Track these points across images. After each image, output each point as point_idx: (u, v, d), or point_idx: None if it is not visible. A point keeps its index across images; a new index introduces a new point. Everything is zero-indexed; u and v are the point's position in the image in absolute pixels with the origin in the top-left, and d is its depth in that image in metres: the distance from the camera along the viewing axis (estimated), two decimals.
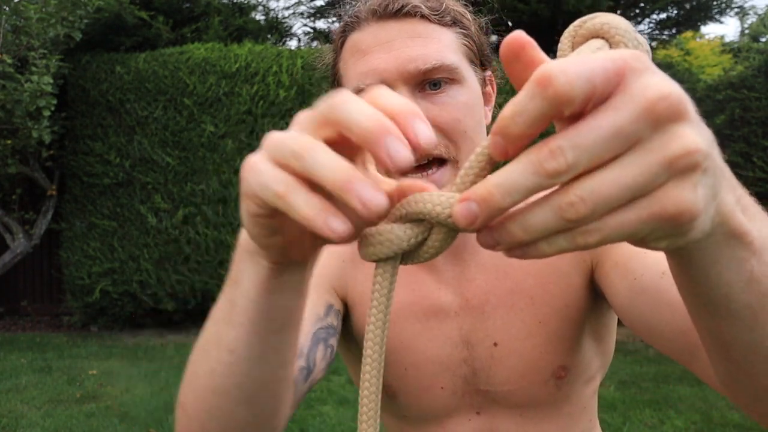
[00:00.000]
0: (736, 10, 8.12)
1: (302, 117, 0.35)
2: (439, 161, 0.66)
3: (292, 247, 0.40)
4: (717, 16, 8.11)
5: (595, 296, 0.74)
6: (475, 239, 0.69)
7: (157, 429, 3.51)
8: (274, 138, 0.34)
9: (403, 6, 0.63)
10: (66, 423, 3.65)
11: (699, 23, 8.46)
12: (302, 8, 10.06)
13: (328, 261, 0.79)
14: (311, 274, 0.45)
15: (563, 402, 0.76)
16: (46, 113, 5.26)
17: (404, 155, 0.30)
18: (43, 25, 5.38)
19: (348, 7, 0.68)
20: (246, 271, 0.43)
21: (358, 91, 0.64)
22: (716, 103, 6.45)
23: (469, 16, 0.70)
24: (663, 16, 8.19)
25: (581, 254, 0.71)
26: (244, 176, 0.35)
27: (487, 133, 0.73)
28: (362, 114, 0.31)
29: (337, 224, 0.32)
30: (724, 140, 6.22)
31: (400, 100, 0.33)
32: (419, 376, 0.77)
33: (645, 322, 0.59)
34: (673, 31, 8.64)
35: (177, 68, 6.05)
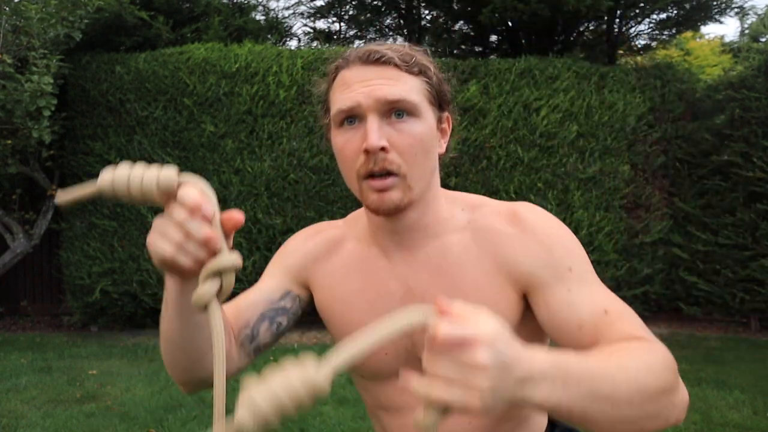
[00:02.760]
0: (736, 10, 8.10)
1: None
2: (392, 173, 0.84)
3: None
4: (717, 16, 8.10)
5: (528, 308, 0.88)
6: (420, 236, 0.92)
7: (157, 429, 3.51)
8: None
9: (381, 56, 0.84)
10: (66, 423, 3.65)
11: (699, 23, 8.46)
12: (302, 8, 10.06)
13: (295, 258, 1.00)
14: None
15: None
16: (46, 113, 5.25)
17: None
18: (43, 25, 5.38)
19: (340, 59, 0.89)
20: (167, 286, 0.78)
21: (341, 113, 0.85)
22: (716, 103, 6.44)
23: (433, 69, 0.88)
24: (663, 16, 8.18)
25: (511, 276, 0.87)
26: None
27: (439, 160, 0.93)
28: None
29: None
30: (724, 140, 6.21)
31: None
32: None
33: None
34: (673, 31, 8.63)
35: (177, 68, 6.05)
